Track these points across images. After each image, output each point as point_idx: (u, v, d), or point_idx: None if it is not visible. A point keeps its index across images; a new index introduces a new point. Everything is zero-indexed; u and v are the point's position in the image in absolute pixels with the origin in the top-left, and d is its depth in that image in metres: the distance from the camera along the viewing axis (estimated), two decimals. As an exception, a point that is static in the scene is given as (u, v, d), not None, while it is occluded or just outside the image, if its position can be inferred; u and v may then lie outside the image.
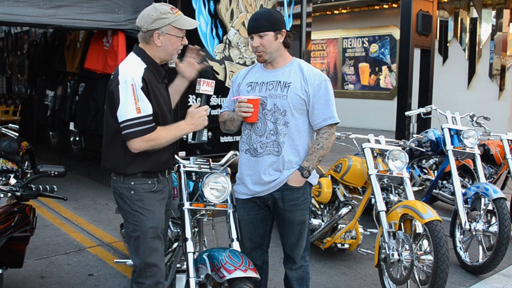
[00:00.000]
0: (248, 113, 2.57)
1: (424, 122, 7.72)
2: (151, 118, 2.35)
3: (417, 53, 8.58)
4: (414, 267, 3.24)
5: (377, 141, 3.83)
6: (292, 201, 2.67)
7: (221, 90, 6.35)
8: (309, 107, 2.62)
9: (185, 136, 2.68)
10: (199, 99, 2.56)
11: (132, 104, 2.30)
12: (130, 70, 2.36)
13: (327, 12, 14.75)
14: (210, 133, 6.33)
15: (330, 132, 2.65)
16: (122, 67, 2.40)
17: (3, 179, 4.65)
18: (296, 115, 2.61)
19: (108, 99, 2.44)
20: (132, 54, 2.49)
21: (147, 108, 2.33)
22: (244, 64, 6.69)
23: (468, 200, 4.12)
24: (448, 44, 12.71)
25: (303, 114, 2.63)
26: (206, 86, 2.53)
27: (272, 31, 2.58)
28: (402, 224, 3.38)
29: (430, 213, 3.20)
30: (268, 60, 2.66)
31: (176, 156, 2.75)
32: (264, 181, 2.65)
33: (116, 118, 2.36)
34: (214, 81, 2.57)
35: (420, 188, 5.38)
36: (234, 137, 6.56)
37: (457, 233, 4.13)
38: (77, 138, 7.66)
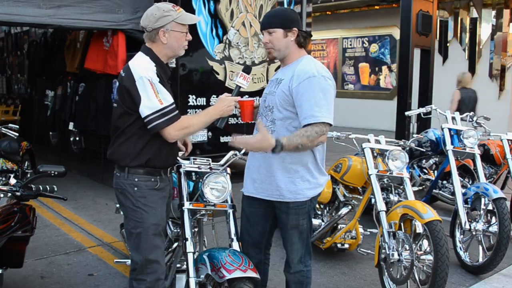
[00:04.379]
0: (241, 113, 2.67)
1: (424, 122, 7.72)
2: (174, 106, 2.44)
3: (417, 53, 8.59)
4: (414, 267, 3.24)
5: (377, 141, 3.83)
6: (286, 203, 2.64)
7: (221, 89, 6.36)
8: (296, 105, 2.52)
9: None
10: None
11: (153, 97, 2.37)
12: (143, 67, 2.43)
13: (327, 12, 14.75)
14: (210, 133, 6.33)
15: (321, 130, 2.42)
16: (134, 64, 2.45)
17: (3, 179, 4.66)
18: (284, 112, 2.54)
19: (120, 94, 2.49)
20: (140, 53, 2.54)
21: (168, 98, 2.42)
22: (244, 64, 6.70)
23: (468, 200, 4.12)
24: (448, 44, 12.71)
25: (291, 112, 2.52)
26: (241, 79, 2.65)
27: (282, 29, 2.56)
28: (402, 224, 3.38)
29: (430, 213, 3.20)
30: (277, 57, 2.65)
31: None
32: (255, 178, 2.66)
33: (129, 112, 2.44)
34: (250, 77, 2.68)
35: (420, 188, 5.38)
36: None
37: (457, 233, 4.13)
38: (77, 138, 7.66)
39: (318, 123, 2.41)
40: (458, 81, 7.55)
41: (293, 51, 2.62)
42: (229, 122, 6.29)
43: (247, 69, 2.72)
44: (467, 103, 7.19)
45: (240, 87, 2.67)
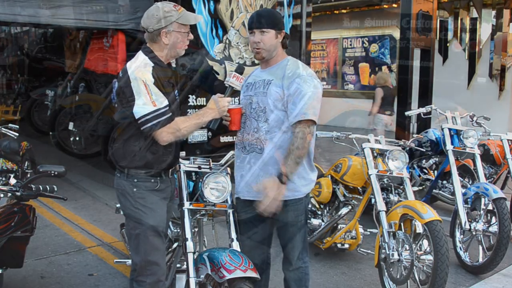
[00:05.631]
0: (227, 122, 2.64)
1: (424, 122, 7.72)
2: (167, 108, 2.41)
3: (417, 53, 8.59)
4: (414, 267, 3.24)
5: (377, 141, 3.83)
6: (284, 201, 2.64)
7: (221, 89, 6.35)
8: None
9: None
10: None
11: (147, 99, 2.35)
12: (139, 68, 2.41)
13: (327, 12, 14.74)
14: (210, 133, 6.32)
15: (304, 131, 2.51)
16: (130, 65, 2.45)
17: (3, 179, 4.64)
18: (276, 112, 2.58)
19: (117, 95, 2.50)
20: (140, 53, 2.52)
21: (162, 100, 2.39)
22: (244, 64, 6.69)
23: (468, 200, 4.12)
24: (448, 44, 12.70)
25: (283, 111, 2.58)
26: (235, 80, 2.65)
27: (274, 30, 2.61)
28: (402, 224, 3.38)
29: (430, 213, 3.20)
30: (266, 57, 2.67)
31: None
32: (249, 181, 2.65)
33: (127, 113, 2.42)
34: (243, 78, 2.67)
35: (420, 188, 5.37)
36: (234, 137, 6.55)
37: (457, 233, 4.13)
38: (77, 138, 7.66)
39: (306, 121, 2.50)
40: (383, 79, 8.08)
41: (279, 52, 2.68)
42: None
43: (239, 69, 2.73)
44: (390, 100, 7.82)
45: (233, 87, 2.67)
